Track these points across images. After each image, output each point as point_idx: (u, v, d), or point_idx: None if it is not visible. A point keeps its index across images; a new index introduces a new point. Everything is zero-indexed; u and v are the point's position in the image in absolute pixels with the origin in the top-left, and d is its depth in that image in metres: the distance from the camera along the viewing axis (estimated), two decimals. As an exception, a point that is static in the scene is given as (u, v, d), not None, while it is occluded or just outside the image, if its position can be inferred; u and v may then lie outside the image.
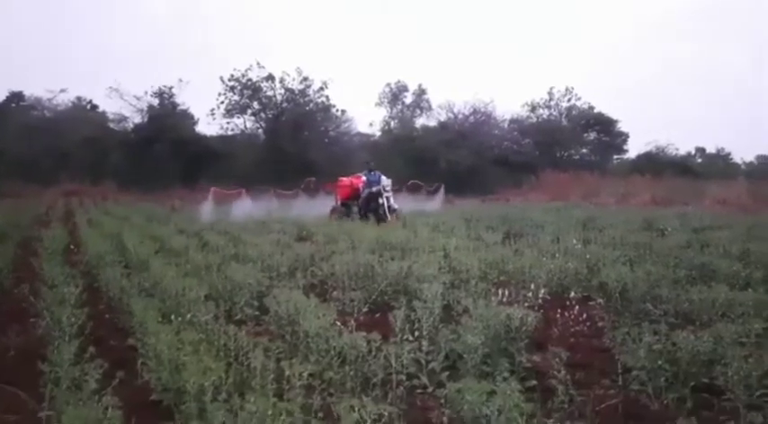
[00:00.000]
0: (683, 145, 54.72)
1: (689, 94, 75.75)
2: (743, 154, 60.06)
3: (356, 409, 2.61)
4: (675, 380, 3.65)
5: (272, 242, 9.66)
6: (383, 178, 16.07)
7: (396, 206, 16.08)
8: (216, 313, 4.55)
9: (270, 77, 41.49)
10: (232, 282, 5.92)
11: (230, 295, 5.78)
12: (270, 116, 41.85)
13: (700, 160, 46.97)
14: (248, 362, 3.56)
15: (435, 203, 24.77)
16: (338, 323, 4.54)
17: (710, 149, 48.39)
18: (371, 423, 2.59)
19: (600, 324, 5.24)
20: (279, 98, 42.00)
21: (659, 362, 3.68)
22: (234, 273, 6.12)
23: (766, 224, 13.81)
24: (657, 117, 72.74)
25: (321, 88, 41.61)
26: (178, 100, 41.02)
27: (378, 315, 5.68)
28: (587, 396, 3.77)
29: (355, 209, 16.24)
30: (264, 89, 41.68)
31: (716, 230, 11.86)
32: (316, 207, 19.01)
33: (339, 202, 17.21)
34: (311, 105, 41.90)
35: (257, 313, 5.52)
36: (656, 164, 38.55)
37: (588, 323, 5.46)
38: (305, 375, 3.12)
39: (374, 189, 15.83)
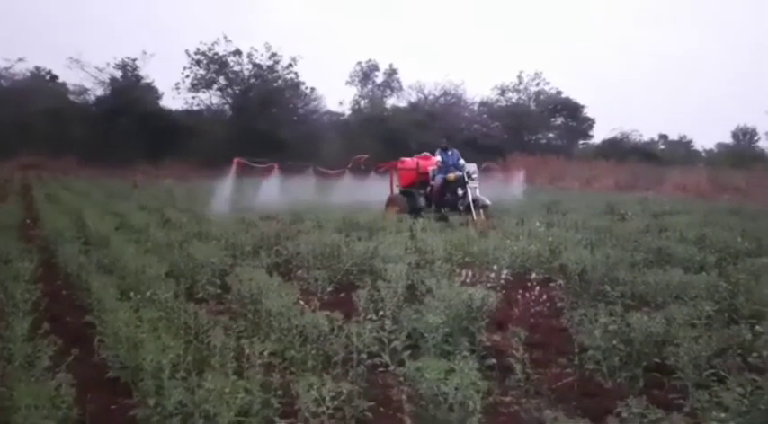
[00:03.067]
0: (646, 132, 55.87)
1: (654, 82, 76.97)
2: (704, 141, 61.59)
3: (315, 387, 2.62)
4: (629, 359, 3.75)
5: (237, 221, 9.57)
6: (468, 163, 12.28)
7: (486, 200, 11.84)
8: (176, 291, 4.50)
9: (237, 52, 40.73)
10: (194, 260, 5.85)
11: (192, 274, 5.72)
12: (237, 92, 41.10)
13: (662, 147, 47.95)
14: (208, 340, 3.53)
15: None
16: (301, 302, 4.54)
17: (673, 136, 49.48)
18: (330, 400, 2.60)
19: (559, 305, 5.33)
20: (246, 73, 41.26)
21: (614, 342, 3.77)
22: (196, 251, 6.04)
23: (722, 210, 14.22)
24: (623, 104, 73.83)
25: (290, 65, 41.03)
26: (142, 72, 39.93)
27: (342, 295, 5.68)
28: (544, 374, 3.86)
29: (422, 201, 12.25)
30: (231, 64, 40.90)
31: (674, 215, 12.17)
32: (365, 193, 15.08)
33: (398, 190, 13.07)
34: (280, 82, 41.26)
35: (219, 291, 5.47)
36: (620, 150, 39.23)
37: (548, 304, 5.55)
38: (265, 353, 3.12)
39: (451, 175, 11.78)
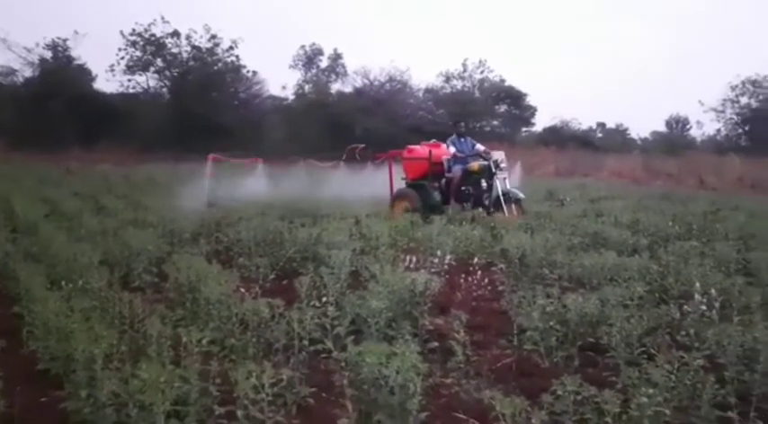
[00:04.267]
0: (585, 120, 57.44)
1: (592, 72, 79.07)
2: (639, 129, 63.91)
3: (254, 374, 2.58)
4: (565, 340, 3.86)
5: (175, 207, 9.34)
6: (495, 151, 10.61)
7: (519, 193, 10.03)
8: (110, 279, 4.35)
9: (175, 33, 39.54)
10: (129, 248, 5.67)
11: (127, 262, 5.55)
12: (175, 74, 39.93)
13: (600, 135, 49.37)
14: (144, 330, 3.43)
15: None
16: (242, 290, 4.47)
17: (610, 125, 51.02)
18: (269, 387, 2.57)
19: (500, 288, 5.44)
20: (185, 56, 40.13)
21: (551, 323, 3.87)
22: (131, 238, 5.86)
23: (655, 195, 14.78)
24: (564, 93, 75.63)
25: (231, 47, 40.14)
26: (74, 53, 38.34)
27: (285, 282, 5.62)
28: (484, 356, 3.93)
29: (436, 195, 10.45)
30: (169, 46, 39.70)
31: (610, 200, 12.62)
32: (363, 185, 13.46)
33: (405, 183, 11.08)
34: (220, 65, 40.30)
35: (156, 280, 5.33)
36: (561, 138, 40.23)
37: (489, 288, 5.65)
38: (204, 341, 3.06)
39: (474, 164, 10.16)
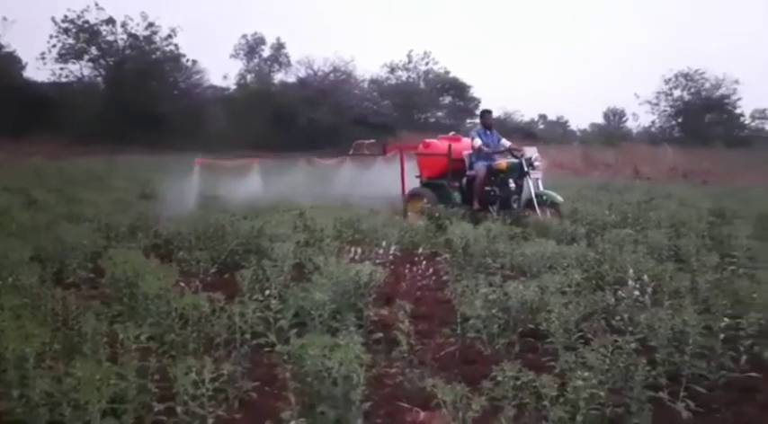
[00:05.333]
0: (527, 112, 58.71)
1: (534, 65, 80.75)
2: (578, 122, 65.79)
3: (194, 369, 2.53)
4: (506, 327, 3.94)
5: (112, 201, 9.03)
6: (528, 147, 9.47)
7: (557, 195, 8.78)
8: (42, 275, 4.17)
9: (110, 21, 38.22)
10: (63, 243, 5.45)
11: (60, 257, 5.33)
12: (111, 63, 38.59)
13: (542, 126, 50.61)
14: (78, 327, 3.31)
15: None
16: (182, 284, 4.37)
17: (551, 117, 52.34)
18: (209, 382, 2.52)
19: (444, 278, 5.51)
20: (121, 44, 38.87)
21: (493, 311, 3.94)
22: (65, 233, 5.63)
23: (593, 185, 15.24)
24: (506, 85, 77.03)
25: (169, 36, 39.14)
26: (2, 41, 36.57)
27: (226, 276, 5.53)
28: (428, 345, 3.97)
29: (457, 196, 9.36)
30: (104, 33, 38.36)
31: (551, 190, 12.89)
32: (371, 184, 12.21)
33: (421, 181, 9.94)
34: (158, 53, 39.18)
35: (91, 275, 5.14)
36: (504, 129, 40.79)
37: (434, 277, 5.73)
38: (142, 337, 2.98)
39: (502, 161, 9.07)
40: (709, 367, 3.27)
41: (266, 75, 45.95)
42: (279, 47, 47.21)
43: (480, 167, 9.20)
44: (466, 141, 9.77)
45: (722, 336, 3.36)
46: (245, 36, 46.98)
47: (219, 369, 2.66)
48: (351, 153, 13.66)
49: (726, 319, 3.47)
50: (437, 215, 8.24)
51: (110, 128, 32.13)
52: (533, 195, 8.59)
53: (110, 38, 38.52)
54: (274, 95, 40.76)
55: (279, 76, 46.57)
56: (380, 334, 3.95)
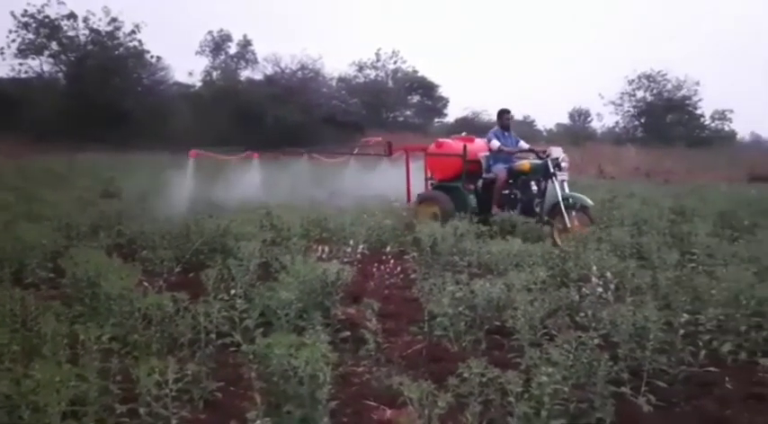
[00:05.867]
0: (495, 112, 59.21)
1: (500, 64, 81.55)
2: (545, 121, 66.73)
3: (157, 370, 2.49)
4: (473, 324, 3.97)
5: (73, 199, 8.82)
6: (553, 146, 8.68)
7: (586, 198, 7.97)
8: (0, 275, 4.05)
9: (72, 16, 37.15)
10: (22, 242, 5.30)
11: (19, 257, 5.19)
12: (72, 59, 37.56)
13: (508, 125, 51.06)
14: (38, 328, 3.22)
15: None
16: (145, 284, 4.29)
17: (518, 116, 52.82)
18: (173, 383, 2.48)
19: (412, 276, 5.53)
20: (83, 39, 37.79)
21: (460, 309, 3.97)
22: (24, 233, 5.48)
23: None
24: (474, 84, 77.68)
25: (133, 31, 38.18)
26: (-42, 35, 35.32)
27: (191, 275, 5.45)
28: (396, 343, 3.98)
29: (473, 199, 8.67)
30: (65, 28, 37.24)
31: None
32: (376, 184, 11.46)
33: (433, 184, 9.34)
34: (121, 49, 38.27)
35: (52, 275, 5.02)
36: (472, 128, 41.18)
37: (402, 276, 5.74)
38: (104, 338, 2.92)
39: (525, 162, 8.54)
40: (670, 362, 3.34)
41: (233, 72, 45.35)
42: (245, 44, 46.66)
43: (500, 169, 8.63)
44: (479, 142, 9.22)
45: (682, 332, 3.43)
46: (210, 32, 46.37)
47: (184, 370, 2.62)
48: (355, 151, 12.79)
49: (685, 315, 3.55)
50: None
51: (71, 125, 31.30)
52: (560, 198, 7.88)
53: (71, 33, 37.49)
54: (241, 93, 40.20)
55: (245, 74, 46.01)
56: (348, 333, 3.95)
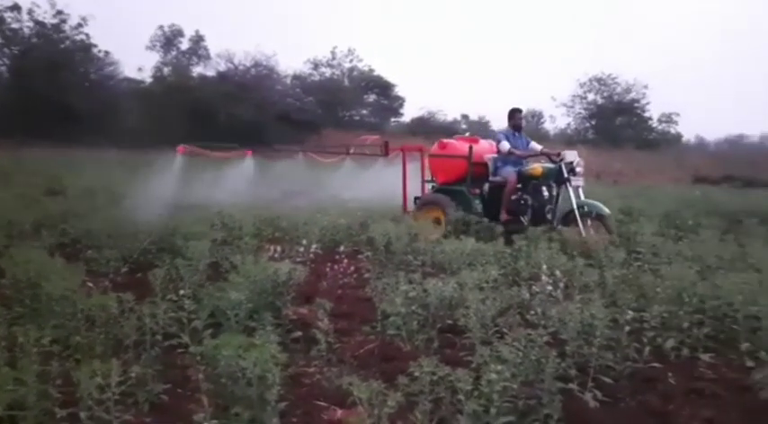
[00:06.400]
0: (450, 112, 59.94)
1: (456, 65, 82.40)
2: (499, 122, 67.72)
3: (99, 373, 2.41)
4: (426, 323, 3.98)
5: (16, 197, 8.48)
6: (567, 150, 8.01)
7: (603, 207, 7.53)
8: (-69, 277, 3.86)
9: (15, 7, 35.87)
10: (-43, 241, 5.07)
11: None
12: (16, 52, 36.22)
13: (464, 126, 51.58)
14: (-27, 331, 3.08)
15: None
16: (89, 285, 4.16)
17: (473, 116, 53.50)
18: (116, 386, 2.40)
19: (366, 276, 5.52)
20: (27, 32, 36.52)
21: (413, 308, 3.98)
22: (-40, 231, 5.24)
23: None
24: (430, 84, 78.27)
25: (80, 25, 37.13)
26: None
27: (138, 276, 5.31)
28: (348, 343, 3.96)
29: (478, 204, 8.20)
30: (8, 20, 35.94)
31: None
32: (373, 185, 10.71)
33: (434, 187, 8.80)
34: (68, 43, 37.11)
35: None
36: (428, 128, 41.57)
37: (355, 275, 5.73)
38: (45, 340, 2.81)
39: (536, 166, 7.96)
40: (616, 359, 3.42)
41: (184, 68, 44.40)
42: (198, 39, 45.75)
43: (509, 173, 8.06)
44: (483, 143, 8.76)
45: (627, 328, 3.51)
46: (161, 27, 45.29)
47: (128, 372, 2.55)
48: (351, 150, 11.83)
49: (631, 312, 3.65)
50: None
51: (15, 120, 30.17)
52: (575, 206, 7.40)
53: (15, 25, 36.16)
54: (193, 89, 39.35)
55: (198, 70, 45.12)
56: (299, 333, 3.91)
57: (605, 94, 45.45)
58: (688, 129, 48.63)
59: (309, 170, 13.05)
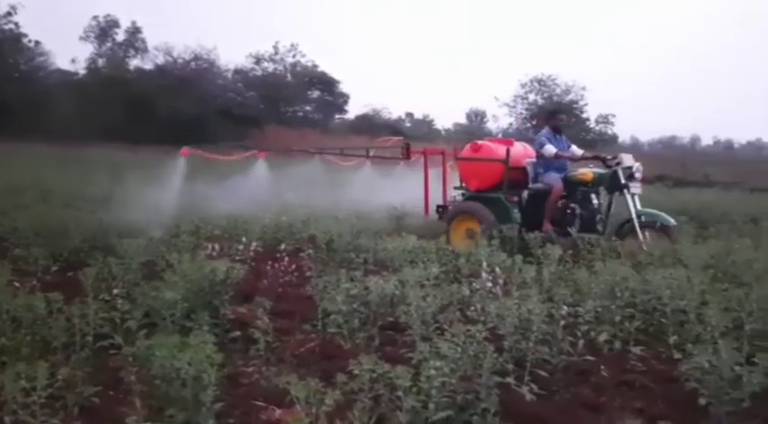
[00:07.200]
0: (395, 110, 60.24)
1: (402, 64, 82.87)
2: (443, 121, 68.68)
3: (24, 375, 2.30)
4: (367, 321, 3.98)
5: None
6: (624, 153, 7.30)
7: (668, 217, 6.86)
8: None
9: (-62, -6, 33.93)
10: None
11: None
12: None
13: (409, 124, 51.99)
14: None
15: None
16: (16, 284, 3.97)
17: (418, 115, 53.99)
18: (43, 388, 2.30)
19: (308, 274, 5.47)
20: (-50, 21, 34.62)
21: (354, 305, 3.97)
22: None
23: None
24: (375, 82, 78.45)
25: (8, 13, 35.47)
26: None
27: (70, 275, 5.11)
28: (288, 342, 3.92)
29: (516, 213, 7.28)
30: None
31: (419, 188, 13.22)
32: (394, 191, 10.09)
33: (466, 194, 7.95)
34: (-5, 33, 35.40)
35: None
36: (373, 126, 41.65)
37: (297, 273, 5.67)
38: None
39: (586, 171, 7.35)
40: (551, 352, 3.50)
41: (120, 60, 42.90)
42: (134, 31, 44.27)
43: (554, 179, 7.35)
44: (518, 146, 8.01)
45: (563, 323, 3.61)
46: (96, 18, 43.67)
47: (56, 374, 2.44)
48: (371, 153, 10.82)
49: (566, 307, 3.75)
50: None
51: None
52: (634, 215, 6.76)
53: (-64, 13, 34.35)
54: (130, 82, 38.03)
55: (135, 62, 43.69)
56: (238, 333, 3.84)
57: (545, 95, 46.62)
58: (623, 130, 50.48)
59: (329, 173, 12.16)
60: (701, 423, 2.87)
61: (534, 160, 7.70)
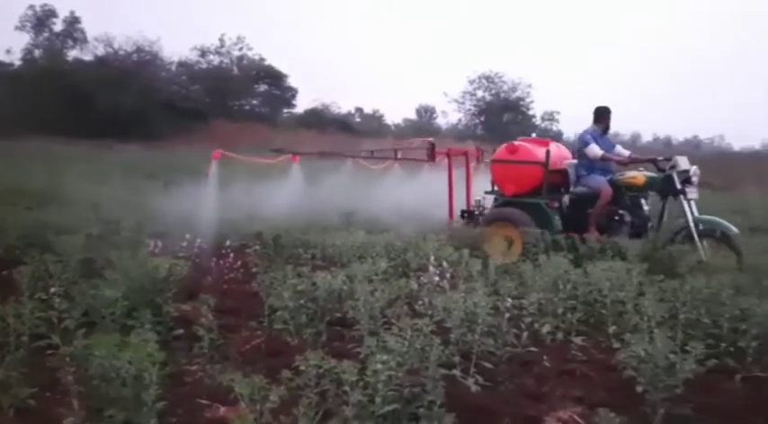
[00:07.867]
0: (344, 105, 60.06)
1: (351, 58, 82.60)
2: (393, 116, 68.95)
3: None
4: (314, 316, 3.97)
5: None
6: (678, 156, 6.66)
7: (730, 225, 6.25)
8: None
9: None
10: None
11: None
12: None
13: (358, 119, 51.89)
14: None
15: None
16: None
17: (368, 110, 53.91)
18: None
19: (254, 270, 5.41)
20: None
21: (301, 301, 3.94)
22: None
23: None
24: (324, 76, 78.02)
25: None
26: None
27: (4, 273, 4.89)
28: (233, 339, 3.86)
29: (557, 220, 6.85)
30: None
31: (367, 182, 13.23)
32: (422, 195, 9.51)
33: (500, 199, 7.34)
34: (-77, 19, 33.46)
35: None
36: (321, 120, 41.42)
37: (242, 270, 5.60)
38: None
39: (637, 174, 6.76)
40: (496, 344, 3.57)
41: (58, 51, 41.27)
42: (73, 21, 42.67)
43: (600, 182, 6.77)
44: (554, 146, 7.42)
45: (507, 315, 3.69)
46: (32, 7, 41.92)
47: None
48: (399, 155, 9.86)
49: (510, 300, 3.83)
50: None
51: None
52: (691, 223, 6.23)
53: None
54: (68, 74, 36.55)
55: (73, 54, 42.09)
56: (181, 331, 3.77)
57: (493, 92, 47.37)
58: (568, 127, 51.78)
59: (363, 178, 11.24)
60: (638, 409, 2.97)
61: (575, 161, 7.20)
